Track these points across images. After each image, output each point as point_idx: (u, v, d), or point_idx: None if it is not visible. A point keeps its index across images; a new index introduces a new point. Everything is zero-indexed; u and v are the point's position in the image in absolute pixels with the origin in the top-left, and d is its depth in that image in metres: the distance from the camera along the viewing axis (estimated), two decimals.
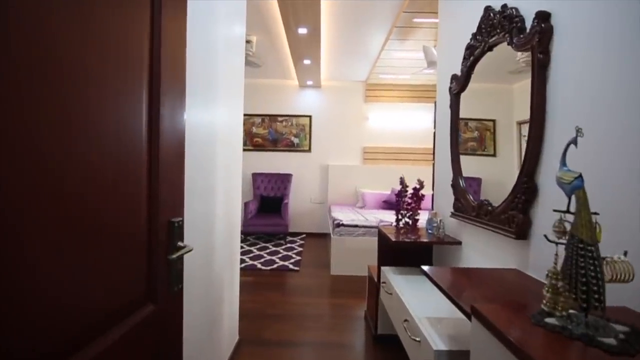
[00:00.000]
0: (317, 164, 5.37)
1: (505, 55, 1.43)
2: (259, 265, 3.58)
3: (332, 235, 3.45)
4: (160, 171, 0.75)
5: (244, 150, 5.50)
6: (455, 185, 1.79)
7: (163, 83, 0.75)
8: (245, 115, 5.34)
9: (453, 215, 1.77)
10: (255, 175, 5.18)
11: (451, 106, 1.88)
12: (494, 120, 1.72)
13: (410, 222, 2.23)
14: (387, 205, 4.76)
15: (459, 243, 1.74)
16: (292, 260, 3.79)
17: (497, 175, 1.63)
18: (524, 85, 1.46)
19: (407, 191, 2.22)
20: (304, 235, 5.24)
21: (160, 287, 0.76)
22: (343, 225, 3.40)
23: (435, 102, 2.23)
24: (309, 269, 3.53)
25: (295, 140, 5.35)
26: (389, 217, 3.85)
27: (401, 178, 2.25)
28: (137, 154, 0.69)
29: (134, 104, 0.68)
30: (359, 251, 3.35)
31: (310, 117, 5.34)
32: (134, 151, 0.68)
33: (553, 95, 1.09)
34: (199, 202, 1.40)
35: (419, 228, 2.21)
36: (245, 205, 4.54)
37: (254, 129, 5.37)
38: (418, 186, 2.19)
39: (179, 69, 0.84)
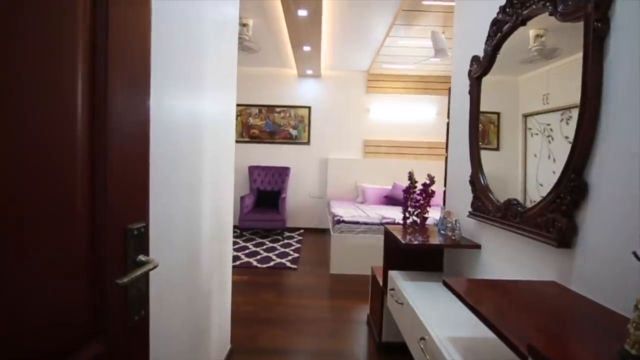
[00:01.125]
0: (316, 157, 5.16)
1: (518, 42, 1.34)
2: (255, 263, 3.39)
3: (331, 232, 3.26)
4: (111, 169, 0.55)
5: (240, 142, 5.29)
6: (474, 182, 1.59)
7: (113, 71, 0.57)
8: (241, 105, 5.13)
9: (471, 215, 1.58)
10: (251, 169, 4.97)
11: (471, 92, 1.67)
12: (498, 113, 1.65)
13: (419, 220, 2.04)
14: (388, 200, 4.57)
15: (478, 247, 1.55)
16: (289, 258, 3.61)
17: (500, 170, 1.54)
18: (533, 76, 1.37)
19: (415, 187, 2.02)
20: (302, 231, 5.05)
21: (112, 319, 0.56)
22: (343, 221, 3.21)
23: (449, 90, 2.02)
24: (308, 267, 3.35)
25: (294, 132, 5.13)
26: (391, 213, 3.67)
27: (410, 173, 2.05)
28: (70, 149, 0.49)
29: (62, 92, 0.49)
30: (359, 249, 3.17)
31: (309, 108, 5.11)
32: (65, 147, 0.49)
33: (612, 74, 0.89)
34: (179, 200, 1.20)
35: (427, 227, 2.02)
36: (241, 199, 4.33)
37: (251, 120, 5.13)
38: (428, 182, 1.99)
39: (139, 54, 0.65)
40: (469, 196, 1.64)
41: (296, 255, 3.74)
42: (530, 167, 1.32)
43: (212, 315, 1.62)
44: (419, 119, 5.12)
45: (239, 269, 3.24)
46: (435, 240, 1.74)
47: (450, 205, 1.92)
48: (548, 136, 1.21)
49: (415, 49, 4.03)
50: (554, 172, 1.07)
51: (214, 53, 1.57)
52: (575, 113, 0.99)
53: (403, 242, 1.62)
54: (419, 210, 2.03)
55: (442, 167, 4.90)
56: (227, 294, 1.98)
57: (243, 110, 5.13)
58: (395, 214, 3.61)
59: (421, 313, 1.28)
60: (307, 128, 5.13)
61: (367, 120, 5.14)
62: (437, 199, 2.28)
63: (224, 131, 1.84)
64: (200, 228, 1.43)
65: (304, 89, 5.13)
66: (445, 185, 2.05)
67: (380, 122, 5.13)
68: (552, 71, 1.26)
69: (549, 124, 1.22)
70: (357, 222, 3.21)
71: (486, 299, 0.90)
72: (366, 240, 3.17)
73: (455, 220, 1.64)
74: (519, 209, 1.22)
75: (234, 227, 4.97)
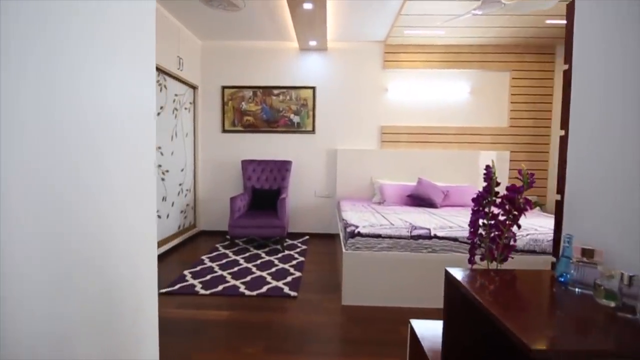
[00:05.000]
0: (323, 148, 4.29)
1: None
2: (242, 289, 2.57)
3: (343, 248, 2.41)
4: None
5: (231, 131, 4.44)
6: None
7: None
8: (231, 87, 4.25)
9: None
10: (245, 163, 4.14)
11: None
12: None
13: (498, 251, 1.16)
14: (413, 200, 3.68)
15: None
16: (288, 279, 2.78)
17: None
18: None
19: (497, 193, 1.14)
20: (306, 237, 4.22)
21: None
22: (360, 234, 2.35)
23: (569, 19, 1.12)
24: (312, 294, 2.51)
25: (295, 119, 4.26)
26: (422, 218, 2.79)
27: (488, 167, 1.15)
28: None
29: None
30: (382, 272, 2.31)
31: (313, 88, 4.23)
32: None
33: None
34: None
35: (515, 275, 1.14)
36: (232, 201, 3.52)
37: (244, 105, 4.28)
38: (521, 182, 1.10)
39: None
40: (632, 215, 0.75)
41: (297, 274, 2.91)
42: None
43: None
44: (447, 99, 4.18)
45: (220, 299, 2.42)
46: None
47: (582, 231, 1.03)
48: None
49: (448, 5, 3.09)
50: None
51: None
52: None
53: (535, 348, 0.73)
54: (498, 234, 1.15)
55: (481, 158, 3.92)
56: None
57: (234, 93, 4.28)
58: (427, 219, 2.73)
59: None
60: (311, 113, 4.25)
61: (384, 102, 4.22)
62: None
63: (132, 115, 1.04)
64: (76, 262, 0.61)
65: (307, 66, 4.24)
66: (559, 192, 1.14)
67: (401, 104, 4.22)
68: None
69: None
70: (379, 236, 2.34)
71: None
72: (391, 259, 2.30)
73: (631, 277, 0.75)
74: None
75: (225, 234, 4.19)
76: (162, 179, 3.45)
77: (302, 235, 4.32)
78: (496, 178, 1.13)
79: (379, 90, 4.21)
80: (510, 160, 4.14)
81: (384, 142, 4.22)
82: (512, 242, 1.18)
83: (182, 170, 3.91)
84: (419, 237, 2.32)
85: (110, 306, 1.03)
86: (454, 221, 2.73)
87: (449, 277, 1.01)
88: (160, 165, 3.39)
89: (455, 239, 2.31)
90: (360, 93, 4.22)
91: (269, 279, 2.78)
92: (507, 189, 1.14)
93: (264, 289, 2.57)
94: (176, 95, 3.73)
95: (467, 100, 4.17)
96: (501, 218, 1.19)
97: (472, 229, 1.17)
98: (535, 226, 2.63)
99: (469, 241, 1.21)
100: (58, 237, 0.82)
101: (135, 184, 1.13)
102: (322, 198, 4.34)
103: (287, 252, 3.57)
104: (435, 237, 2.32)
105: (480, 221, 1.18)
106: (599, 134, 0.94)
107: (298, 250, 3.66)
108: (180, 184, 3.86)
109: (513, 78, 4.12)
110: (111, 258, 1.04)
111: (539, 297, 0.94)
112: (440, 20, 3.32)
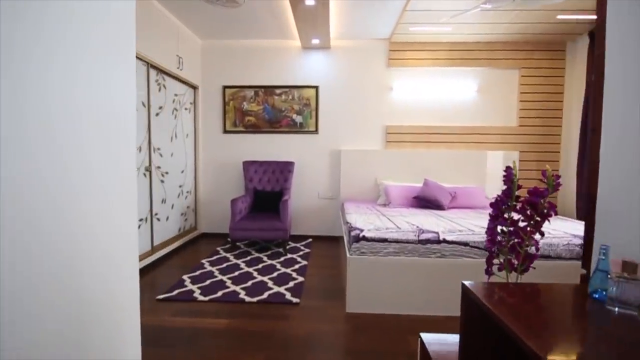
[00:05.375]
0: (326, 149, 4.20)
1: None
2: (243, 294, 2.47)
3: (347, 253, 2.31)
4: None
5: (233, 132, 4.35)
6: None
7: None
8: (233, 87, 4.16)
9: None
10: (246, 164, 4.05)
11: None
12: None
13: (518, 261, 1.05)
14: (419, 202, 3.57)
15: None
16: (291, 284, 2.68)
17: None
18: None
19: (518, 197, 1.03)
20: (309, 240, 4.12)
21: None
22: (365, 238, 2.24)
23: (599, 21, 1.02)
24: (315, 301, 2.41)
25: (298, 119, 4.17)
26: (430, 221, 2.68)
27: (508, 169, 1.04)
28: None
29: None
30: (388, 278, 2.21)
31: (316, 88, 4.13)
32: None
33: None
34: None
35: (538, 289, 1.03)
36: (233, 203, 3.43)
37: (245, 105, 4.20)
38: (545, 185, 0.99)
39: None
40: None
41: (300, 279, 2.81)
42: None
43: None
44: (454, 97, 4.07)
45: (219, 306, 2.33)
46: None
47: (614, 238, 0.92)
48: None
49: (454, 1, 2.98)
50: None
51: None
52: None
53: None
54: (518, 241, 1.04)
55: (489, 159, 3.80)
56: None
57: (235, 93, 4.20)
58: (435, 222, 2.62)
59: None
60: (314, 113, 4.16)
61: (389, 102, 4.12)
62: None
63: (109, 115, 0.94)
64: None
65: (309, 65, 4.14)
66: (590, 195, 1.03)
67: (406, 104, 4.11)
68: None
69: None
70: (385, 240, 2.23)
71: None
72: (398, 265, 2.20)
73: None
74: None
75: (227, 236, 4.10)
76: (162, 181, 3.37)
77: (305, 237, 4.22)
78: (517, 180, 1.03)
79: (383, 89, 4.10)
80: (520, 161, 4.01)
81: (388, 142, 4.11)
82: (533, 251, 1.07)
83: (182, 171, 3.83)
84: (427, 241, 2.21)
85: (89, 312, 0.94)
86: (463, 224, 2.62)
87: (466, 292, 0.90)
88: (159, 167, 3.31)
89: (465, 244, 2.19)
90: (364, 92, 4.12)
91: (270, 284, 2.68)
92: (530, 192, 1.03)
93: (265, 294, 2.48)
94: (176, 95, 3.65)
95: (474, 98, 4.05)
96: (521, 224, 1.08)
97: (489, 237, 1.06)
98: (547, 229, 2.50)
99: (486, 249, 1.10)
100: (31, 240, 0.73)
101: (114, 185, 1.04)
102: (325, 200, 4.24)
103: (289, 255, 3.47)
104: (444, 241, 2.21)
105: (499, 228, 1.07)
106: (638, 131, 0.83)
107: (301, 253, 3.56)
108: (180, 186, 3.79)
109: (522, 76, 3.99)
110: (91, 259, 0.95)
111: (569, 316, 0.83)
112: (446, 16, 3.21)
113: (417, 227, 2.47)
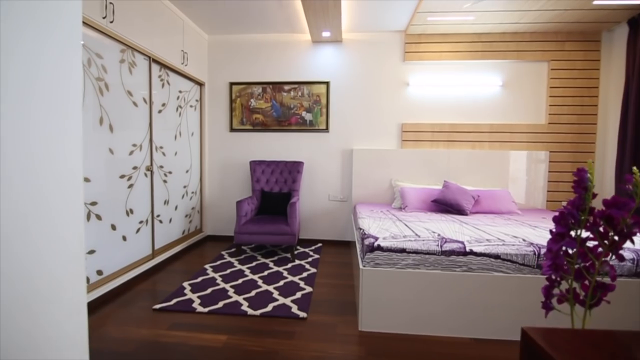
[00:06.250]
0: (338, 148, 3.96)
1: None
2: (245, 306, 2.27)
3: (360, 264, 2.06)
4: None
5: (239, 130, 4.17)
6: None
7: None
8: (240, 84, 3.97)
9: None
10: (254, 164, 3.86)
11: None
12: None
13: (587, 292, 0.80)
14: (438, 207, 3.30)
15: None
16: (298, 295, 2.46)
17: None
18: None
19: (593, 209, 0.78)
20: (319, 245, 3.89)
21: None
22: (380, 248, 2.00)
23: None
24: (324, 316, 2.18)
25: (308, 117, 3.95)
26: (451, 228, 2.41)
27: (581, 172, 0.79)
28: None
29: None
30: (407, 293, 1.96)
31: (327, 84, 3.91)
32: None
33: None
34: None
35: (612, 335, 0.77)
36: (239, 205, 3.24)
37: (253, 102, 4.01)
38: (632, 193, 0.74)
39: None
40: None
41: (308, 289, 2.58)
42: None
43: None
44: (477, 93, 3.77)
45: (219, 319, 2.12)
46: None
47: None
48: None
49: None
50: None
51: None
52: None
53: None
54: (586, 271, 0.79)
55: (515, 160, 3.49)
56: None
57: (242, 90, 4.01)
58: (458, 230, 2.35)
59: None
60: (324, 111, 3.93)
61: (405, 98, 3.85)
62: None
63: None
64: None
65: (320, 59, 3.92)
66: None
67: (423, 100, 3.83)
68: None
69: None
70: (403, 250, 1.98)
71: None
72: (418, 278, 1.94)
73: None
74: None
75: (233, 239, 3.92)
76: (164, 181, 3.21)
77: (314, 242, 4.00)
78: (593, 187, 0.77)
79: (399, 85, 3.84)
80: (550, 162, 3.68)
81: (404, 141, 3.85)
82: (608, 280, 0.81)
83: (187, 171, 3.67)
84: (452, 252, 1.95)
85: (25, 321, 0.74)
86: (491, 232, 2.34)
87: (528, 341, 0.65)
88: (162, 167, 3.15)
89: (496, 256, 1.92)
90: (378, 88, 3.87)
91: (275, 294, 2.47)
92: (607, 203, 0.77)
93: (270, 307, 2.26)
94: (180, 92, 3.49)
95: (499, 94, 3.74)
96: (589, 244, 0.83)
97: (552, 261, 0.81)
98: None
99: (545, 275, 0.85)
100: None
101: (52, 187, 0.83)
102: (336, 202, 4.00)
103: (297, 261, 3.25)
104: (472, 253, 1.94)
105: (564, 248, 0.82)
106: None
107: (309, 259, 3.34)
108: (185, 186, 3.62)
109: (552, 69, 3.66)
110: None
111: None
112: (469, 1, 2.93)
113: (439, 235, 2.21)
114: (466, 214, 3.15)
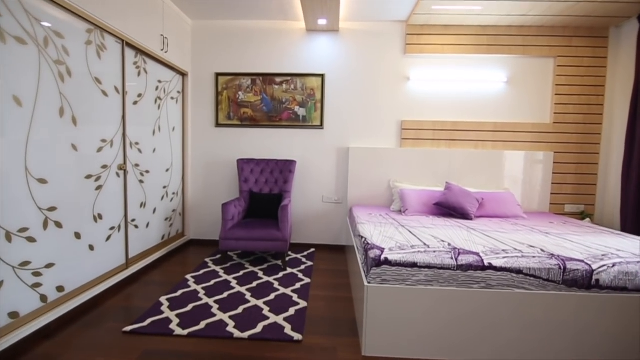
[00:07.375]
0: (333, 146, 3.70)
1: None
2: (231, 327, 1.98)
3: (364, 281, 1.81)
4: None
5: (226, 126, 3.76)
6: None
7: None
8: (227, 75, 3.58)
9: None
10: (241, 163, 3.55)
11: None
12: None
13: None
14: (441, 210, 3.08)
15: None
16: (291, 311, 2.19)
17: None
18: None
19: None
20: (312, 250, 3.63)
21: None
22: (388, 262, 1.75)
23: None
24: (322, 338, 1.92)
25: (301, 112, 3.66)
26: (460, 235, 2.18)
27: None
28: None
29: None
30: (418, 313, 1.71)
31: (322, 76, 3.63)
32: None
33: None
34: None
35: None
36: (224, 207, 2.94)
37: (241, 95, 3.69)
38: None
39: None
40: None
41: (302, 304, 2.31)
42: None
43: None
44: (480, 89, 3.57)
45: (201, 343, 1.83)
46: None
47: None
48: None
49: None
50: None
51: None
52: None
53: None
54: None
55: (519, 160, 3.29)
56: None
57: (230, 81, 3.69)
58: (467, 237, 2.12)
59: None
60: (319, 105, 3.65)
61: (405, 93, 3.61)
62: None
63: None
64: None
65: (315, 50, 3.64)
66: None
67: (425, 96, 3.60)
68: None
69: None
70: (414, 264, 1.73)
71: None
72: (430, 297, 1.70)
73: None
74: None
75: (218, 244, 3.61)
76: (141, 181, 2.87)
77: (306, 247, 3.73)
78: None
79: (399, 79, 3.60)
80: (554, 163, 3.52)
81: (404, 139, 3.61)
82: None
83: (167, 170, 3.33)
84: (469, 266, 1.72)
85: None
86: (504, 241, 2.12)
87: None
88: (137, 165, 2.81)
89: (518, 271, 1.70)
90: (377, 82, 3.61)
91: (266, 311, 2.19)
92: None
93: (259, 327, 1.98)
94: (160, 81, 3.14)
95: (503, 91, 3.55)
96: None
97: None
98: (610, 249, 2.01)
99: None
100: None
101: None
102: (330, 204, 3.74)
103: (289, 270, 2.98)
104: (491, 267, 1.71)
105: None
106: None
107: (302, 267, 3.07)
108: (164, 187, 3.28)
109: (558, 65, 3.49)
110: None
111: None
112: None
113: (449, 244, 1.97)
114: (471, 219, 2.94)
